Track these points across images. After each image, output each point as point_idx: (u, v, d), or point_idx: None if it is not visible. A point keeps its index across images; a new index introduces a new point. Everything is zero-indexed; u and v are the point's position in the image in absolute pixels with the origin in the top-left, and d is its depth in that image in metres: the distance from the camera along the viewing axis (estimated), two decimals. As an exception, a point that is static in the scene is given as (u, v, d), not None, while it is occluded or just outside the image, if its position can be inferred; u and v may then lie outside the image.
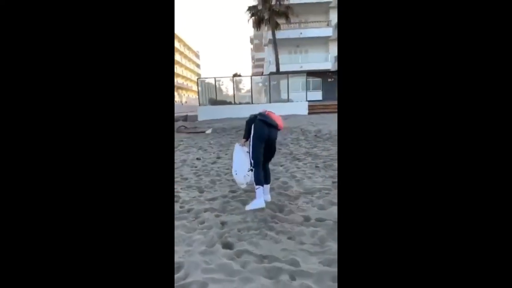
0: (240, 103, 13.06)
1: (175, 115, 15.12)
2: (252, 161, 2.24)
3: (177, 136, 7.26)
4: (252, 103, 12.49)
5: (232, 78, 13.19)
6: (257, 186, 2.17)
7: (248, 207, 2.17)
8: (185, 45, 51.68)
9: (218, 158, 4.22)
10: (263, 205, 2.14)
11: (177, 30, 46.61)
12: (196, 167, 3.71)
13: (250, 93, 12.93)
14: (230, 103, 12.93)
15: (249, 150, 2.25)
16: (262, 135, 2.18)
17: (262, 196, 2.17)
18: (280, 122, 2.20)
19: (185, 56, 51.47)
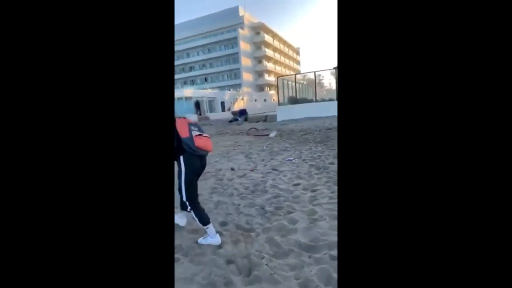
0: (323, 100, 11.80)
1: (258, 114, 15.56)
2: (187, 202, 1.74)
3: (241, 139, 7.25)
4: (336, 99, 11.02)
5: (314, 73, 12.08)
6: (206, 226, 1.81)
7: (201, 241, 1.86)
8: (284, 43, 52.68)
9: (252, 170, 3.75)
10: (218, 242, 1.83)
11: (278, 30, 48.15)
12: (221, 180, 3.40)
13: (336, 89, 11.43)
14: (311, 101, 11.91)
15: (180, 188, 1.74)
16: (197, 169, 1.75)
17: (215, 234, 1.85)
18: (209, 145, 1.78)
19: (285, 54, 52.50)
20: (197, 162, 1.75)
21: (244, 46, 40.43)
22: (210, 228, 1.82)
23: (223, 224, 2.16)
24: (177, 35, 43.67)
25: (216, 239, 1.83)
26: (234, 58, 40.56)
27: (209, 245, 1.82)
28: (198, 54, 42.76)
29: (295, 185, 2.93)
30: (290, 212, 2.25)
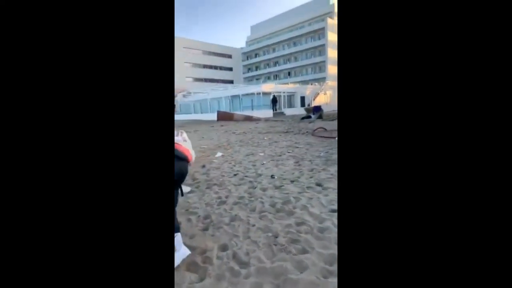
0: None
1: (334, 111, 14.12)
2: None
3: (303, 140, 6.66)
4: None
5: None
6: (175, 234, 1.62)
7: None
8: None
9: (292, 181, 3.27)
10: (187, 252, 1.72)
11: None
12: (254, 188, 3.10)
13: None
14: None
15: None
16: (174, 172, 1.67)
17: (181, 244, 1.69)
18: (189, 155, 1.71)
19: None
20: (176, 166, 1.73)
21: (332, 37, 37.76)
22: (178, 237, 1.65)
23: (223, 248, 1.87)
24: (266, 31, 44.96)
25: (182, 252, 1.67)
26: (320, 50, 38.56)
27: (189, 274, 1.58)
28: (283, 48, 42.88)
29: (331, 211, 2.32)
30: (304, 252, 1.74)
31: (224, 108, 19.50)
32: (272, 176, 3.51)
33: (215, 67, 42.93)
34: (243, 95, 21.21)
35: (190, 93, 27.33)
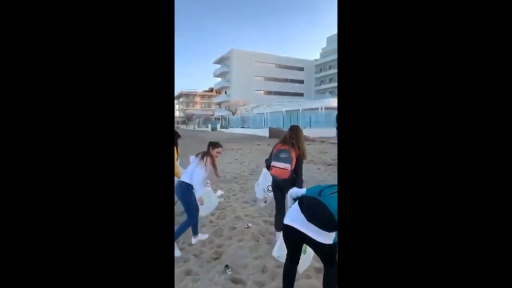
0: None
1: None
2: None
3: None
4: None
5: None
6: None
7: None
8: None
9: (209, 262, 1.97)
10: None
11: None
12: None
13: None
14: None
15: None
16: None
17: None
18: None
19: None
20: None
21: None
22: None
23: None
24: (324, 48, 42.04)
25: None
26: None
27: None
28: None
29: None
30: None
31: (283, 124, 18.50)
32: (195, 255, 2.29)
33: (286, 80, 42.65)
34: (305, 110, 19.70)
35: (258, 106, 27.62)
